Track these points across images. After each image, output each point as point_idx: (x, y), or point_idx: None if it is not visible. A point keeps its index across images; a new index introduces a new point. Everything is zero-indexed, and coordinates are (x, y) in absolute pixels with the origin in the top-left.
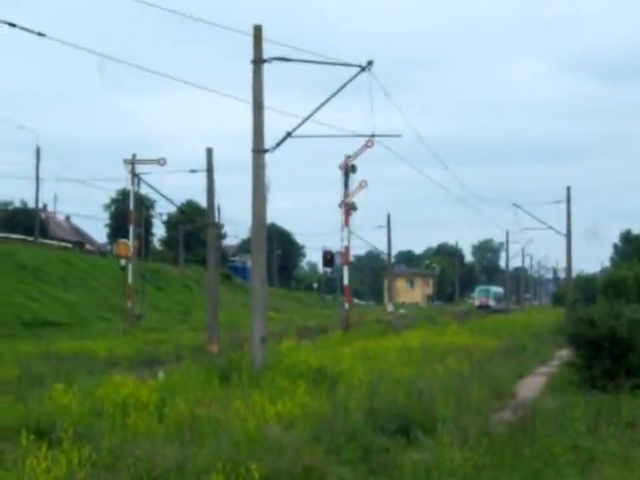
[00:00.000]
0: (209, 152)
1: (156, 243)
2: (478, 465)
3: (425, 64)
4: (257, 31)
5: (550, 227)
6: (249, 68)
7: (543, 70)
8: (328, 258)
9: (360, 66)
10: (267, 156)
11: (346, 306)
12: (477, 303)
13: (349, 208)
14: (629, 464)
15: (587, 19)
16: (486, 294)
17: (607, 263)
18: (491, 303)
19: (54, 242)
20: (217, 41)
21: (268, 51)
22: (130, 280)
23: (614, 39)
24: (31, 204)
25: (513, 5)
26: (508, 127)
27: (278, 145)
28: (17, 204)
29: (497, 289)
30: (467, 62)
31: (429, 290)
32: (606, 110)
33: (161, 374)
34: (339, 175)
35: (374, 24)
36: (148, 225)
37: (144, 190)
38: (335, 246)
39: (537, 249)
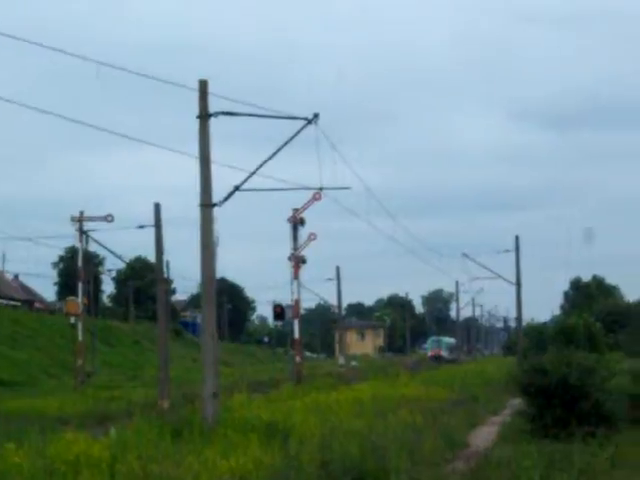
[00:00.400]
0: (157, 207)
1: (105, 300)
2: None
3: (374, 116)
4: (202, 86)
5: (500, 276)
6: (195, 123)
7: (491, 119)
8: (278, 311)
9: (306, 119)
10: (215, 210)
11: (297, 359)
12: (430, 354)
13: (298, 261)
14: None
15: (534, 68)
16: (438, 345)
17: (557, 311)
18: (444, 353)
19: (2, 301)
20: (162, 96)
21: (214, 105)
22: (80, 337)
23: (561, 88)
24: None
25: (462, 56)
26: (457, 177)
27: (226, 199)
28: None
29: (449, 340)
30: (415, 114)
31: (380, 342)
32: (553, 159)
33: (113, 431)
34: (288, 228)
35: (322, 75)
36: (97, 282)
37: (92, 247)
38: (285, 299)
39: (487, 299)
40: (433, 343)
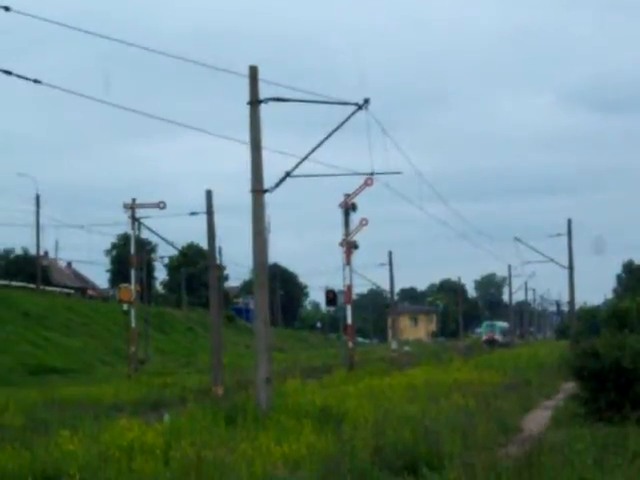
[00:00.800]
0: (208, 194)
1: (158, 287)
2: None
3: (425, 100)
4: (253, 72)
5: (552, 260)
6: (246, 109)
7: (542, 103)
8: (331, 297)
9: (357, 104)
10: (267, 196)
11: (350, 345)
12: (485, 338)
13: (350, 247)
14: None
15: (583, 51)
16: (492, 329)
17: (610, 294)
18: (498, 337)
19: (56, 289)
20: (213, 83)
21: (264, 91)
22: (133, 324)
23: (612, 71)
24: (32, 251)
25: (513, 40)
26: (508, 161)
27: (277, 185)
28: (18, 251)
29: (503, 324)
30: (465, 98)
31: (433, 326)
32: (606, 142)
33: (166, 417)
34: (340, 214)
35: (373, 60)
36: (150, 269)
37: (145, 234)
38: (338, 285)
39: (540, 282)
40: (487, 327)
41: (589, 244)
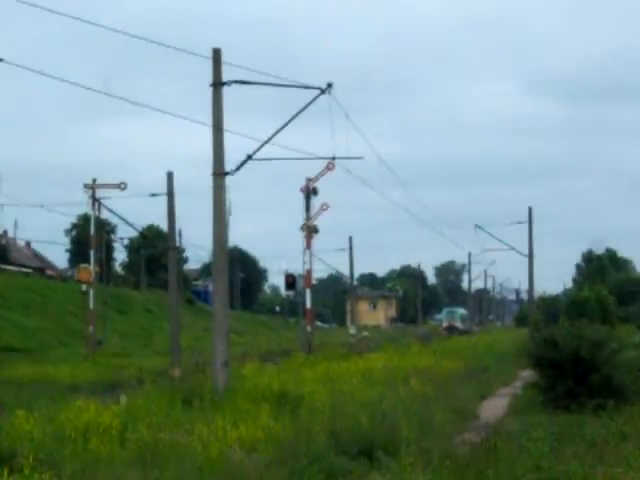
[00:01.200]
0: (169, 176)
1: (118, 268)
2: None
3: (389, 86)
4: (216, 54)
5: (512, 248)
6: (209, 91)
7: (506, 91)
8: (290, 281)
9: (320, 88)
10: (229, 179)
11: (308, 329)
12: (445, 324)
13: (311, 231)
14: None
15: (550, 41)
16: (452, 316)
17: (569, 284)
18: (458, 324)
19: (14, 268)
20: (177, 65)
21: (228, 74)
22: (92, 305)
23: (577, 61)
24: None
25: (476, 27)
26: (471, 149)
27: (238, 168)
28: None
29: (462, 311)
30: (430, 85)
31: (392, 312)
32: (567, 132)
33: (123, 399)
34: (301, 197)
35: (339, 44)
36: (109, 250)
37: (105, 215)
38: (298, 269)
39: (500, 270)
40: (448, 314)
41: (550, 233)
